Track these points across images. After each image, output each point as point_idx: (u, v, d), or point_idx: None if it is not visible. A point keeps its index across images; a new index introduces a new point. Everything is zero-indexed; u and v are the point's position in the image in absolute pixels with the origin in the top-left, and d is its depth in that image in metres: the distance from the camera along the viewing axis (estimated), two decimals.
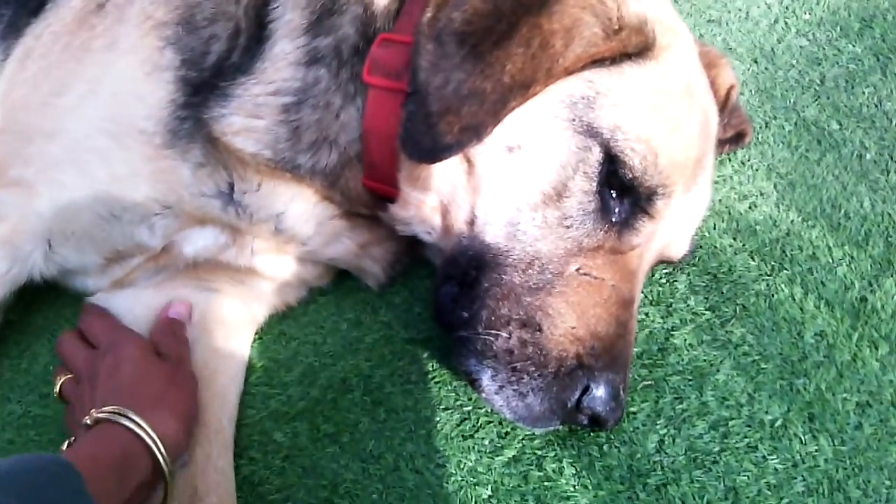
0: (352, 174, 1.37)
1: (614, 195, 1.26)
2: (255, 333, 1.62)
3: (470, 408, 1.41)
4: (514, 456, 1.35)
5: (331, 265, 1.59)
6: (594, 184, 1.24)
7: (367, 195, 1.39)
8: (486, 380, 1.25)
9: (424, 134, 1.20)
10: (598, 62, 1.24)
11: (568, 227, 1.25)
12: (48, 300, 1.70)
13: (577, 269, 1.25)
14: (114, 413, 1.25)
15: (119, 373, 1.35)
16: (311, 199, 1.42)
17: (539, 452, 1.35)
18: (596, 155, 1.24)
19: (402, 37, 1.32)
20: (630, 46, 1.24)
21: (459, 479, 1.34)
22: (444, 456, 1.36)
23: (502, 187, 1.26)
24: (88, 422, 1.26)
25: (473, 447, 1.36)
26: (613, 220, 1.26)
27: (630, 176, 1.24)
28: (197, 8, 1.40)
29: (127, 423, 1.23)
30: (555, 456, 1.34)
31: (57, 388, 1.45)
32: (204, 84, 1.37)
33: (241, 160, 1.37)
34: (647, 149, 1.23)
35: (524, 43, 1.18)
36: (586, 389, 1.21)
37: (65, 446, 1.31)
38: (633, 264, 1.29)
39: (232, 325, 1.56)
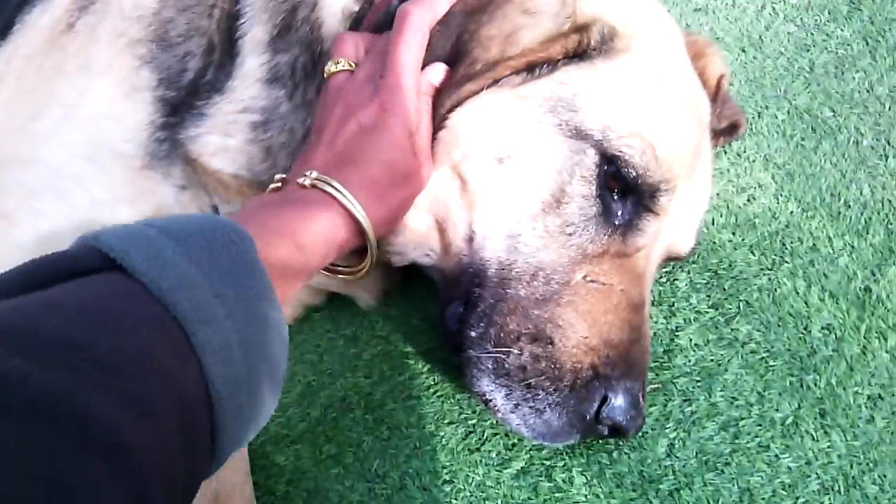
0: None
1: (616, 197, 1.23)
2: None
3: (475, 420, 1.37)
4: (522, 468, 1.31)
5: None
6: (593, 187, 1.21)
7: None
8: (501, 399, 1.21)
9: None
10: (565, 61, 1.22)
11: (570, 235, 1.21)
12: None
13: (584, 277, 1.21)
14: (343, 196, 1.09)
15: (373, 144, 1.16)
16: None
17: (548, 463, 1.31)
18: (591, 157, 1.20)
19: None
20: (591, 41, 1.21)
21: (468, 494, 1.30)
22: (451, 471, 1.33)
23: (498, 200, 1.23)
24: (306, 183, 1.10)
25: (480, 461, 1.33)
26: (617, 222, 1.23)
27: (634, 174, 1.20)
28: (170, 24, 1.37)
29: (359, 217, 1.10)
30: (564, 466, 1.31)
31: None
32: (181, 103, 1.34)
33: (221, 182, 1.33)
34: (643, 143, 1.20)
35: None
36: (605, 400, 1.17)
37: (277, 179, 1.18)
38: (640, 266, 1.26)
39: None
